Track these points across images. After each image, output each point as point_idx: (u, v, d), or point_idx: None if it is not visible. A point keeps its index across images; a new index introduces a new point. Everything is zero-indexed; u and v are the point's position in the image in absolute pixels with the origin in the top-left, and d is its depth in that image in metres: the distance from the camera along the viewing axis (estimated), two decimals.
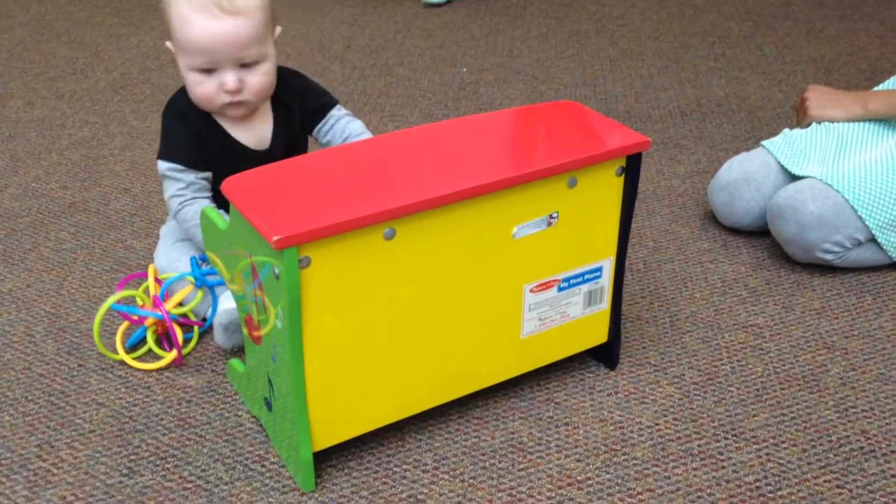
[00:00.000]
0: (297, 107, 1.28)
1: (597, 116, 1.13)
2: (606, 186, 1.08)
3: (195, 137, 1.21)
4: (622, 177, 1.08)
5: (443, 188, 0.95)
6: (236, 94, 1.17)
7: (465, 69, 2.24)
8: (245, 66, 1.17)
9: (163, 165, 1.22)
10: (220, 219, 1.02)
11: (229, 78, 1.16)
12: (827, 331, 1.30)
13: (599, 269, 1.13)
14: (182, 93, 1.23)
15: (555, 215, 1.05)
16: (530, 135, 1.11)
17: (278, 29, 1.22)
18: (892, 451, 1.08)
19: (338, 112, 1.31)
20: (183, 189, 1.22)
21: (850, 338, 1.29)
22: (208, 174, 1.24)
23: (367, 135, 1.30)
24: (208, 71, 1.16)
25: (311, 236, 0.88)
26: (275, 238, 0.86)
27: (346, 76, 2.19)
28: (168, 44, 1.21)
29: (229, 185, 0.96)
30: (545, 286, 1.09)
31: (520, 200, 1.01)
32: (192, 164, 1.21)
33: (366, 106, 2.03)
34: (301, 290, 0.91)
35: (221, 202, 1.24)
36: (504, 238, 1.03)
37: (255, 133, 1.25)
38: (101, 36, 2.45)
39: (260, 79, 1.18)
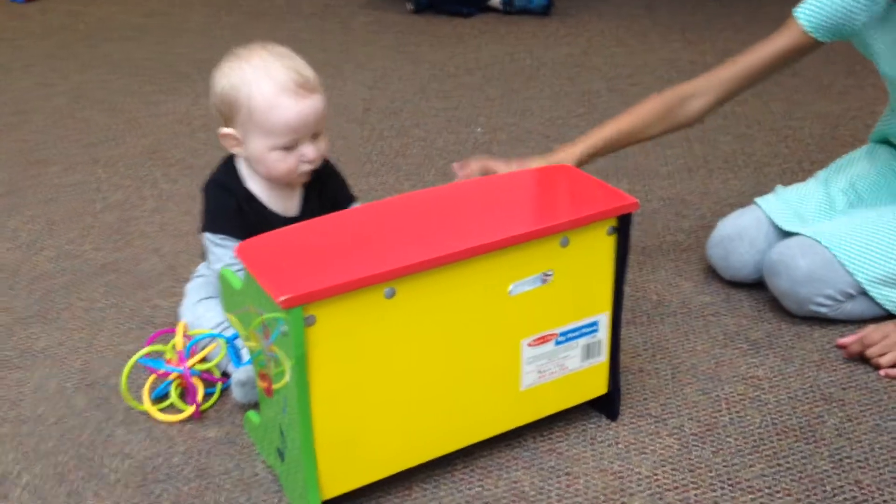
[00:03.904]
0: (323, 183, 1.37)
1: (590, 179, 1.19)
2: (598, 245, 1.14)
3: (237, 206, 1.31)
4: (613, 236, 1.14)
5: (440, 249, 1.01)
6: (314, 161, 1.28)
7: (479, 129, 2.33)
8: (314, 136, 1.28)
9: (210, 237, 1.30)
10: (236, 279, 1.09)
11: (309, 150, 1.27)
12: (825, 382, 1.33)
13: (595, 324, 1.18)
14: (222, 170, 1.33)
15: (549, 273, 1.11)
16: (525, 197, 1.18)
17: None
18: (885, 502, 1.11)
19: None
20: (234, 257, 1.28)
21: (847, 389, 1.32)
22: None
23: None
24: (288, 148, 1.26)
25: (316, 296, 0.95)
26: (282, 298, 0.93)
27: (365, 138, 2.29)
28: (225, 130, 1.28)
29: (242, 250, 1.04)
30: (542, 340, 1.14)
31: (515, 259, 1.07)
32: (237, 232, 1.28)
33: (383, 167, 2.12)
34: (307, 346, 0.97)
35: None
36: (501, 295, 1.09)
37: (289, 203, 1.34)
38: (135, 103, 2.58)
39: (324, 144, 1.31)
